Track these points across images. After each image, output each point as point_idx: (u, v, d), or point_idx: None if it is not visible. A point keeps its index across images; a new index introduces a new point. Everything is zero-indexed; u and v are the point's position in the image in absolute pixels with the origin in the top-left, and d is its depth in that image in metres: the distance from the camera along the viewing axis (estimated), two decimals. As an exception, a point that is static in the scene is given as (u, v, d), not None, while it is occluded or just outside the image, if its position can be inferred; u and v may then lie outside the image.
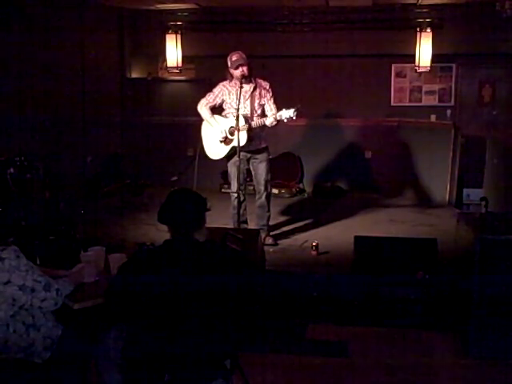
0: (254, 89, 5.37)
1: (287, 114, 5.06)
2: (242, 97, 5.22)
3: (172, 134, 8.22)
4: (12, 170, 4.86)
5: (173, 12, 8.11)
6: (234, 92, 5.31)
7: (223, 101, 5.46)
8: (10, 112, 5.98)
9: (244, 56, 5.27)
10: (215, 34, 8.18)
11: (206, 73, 8.01)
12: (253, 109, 5.36)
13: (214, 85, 5.58)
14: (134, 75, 8.72)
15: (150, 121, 8.42)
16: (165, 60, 8.26)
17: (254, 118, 5.32)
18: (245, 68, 5.23)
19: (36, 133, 6.23)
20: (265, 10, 7.95)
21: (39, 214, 5.29)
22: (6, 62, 6.02)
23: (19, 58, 6.16)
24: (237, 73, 5.24)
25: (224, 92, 5.44)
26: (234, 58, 5.26)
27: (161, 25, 8.17)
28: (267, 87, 5.44)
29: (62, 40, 6.90)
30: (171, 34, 8.11)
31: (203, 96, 5.58)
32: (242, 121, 5.18)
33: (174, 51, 8.14)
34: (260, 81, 5.44)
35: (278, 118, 5.15)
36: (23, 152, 5.01)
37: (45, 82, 6.57)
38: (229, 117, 5.41)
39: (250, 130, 5.25)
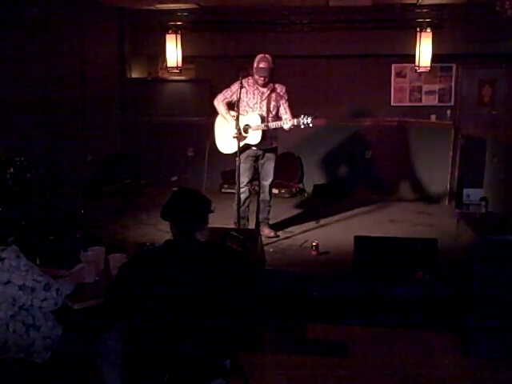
0: (272, 91, 5.53)
1: (305, 120, 5.22)
2: (258, 97, 5.46)
3: (172, 133, 8.22)
4: (12, 170, 4.86)
5: (173, 12, 8.11)
6: (251, 91, 5.50)
7: (240, 98, 5.52)
8: (10, 112, 5.98)
9: (271, 64, 5.42)
10: (215, 34, 8.18)
11: (206, 73, 8.02)
12: (268, 109, 5.51)
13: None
14: (134, 75, 8.71)
15: (150, 121, 8.41)
16: (165, 60, 8.25)
17: (269, 118, 5.49)
18: (266, 79, 5.42)
19: (36, 133, 6.24)
20: (265, 10, 7.95)
21: (39, 214, 5.29)
22: (6, 62, 6.01)
23: (19, 58, 6.16)
24: (256, 78, 5.43)
25: (241, 90, 5.50)
26: (261, 66, 5.41)
27: (161, 25, 8.17)
28: (283, 90, 5.61)
29: (61, 40, 6.90)
30: (171, 33, 8.11)
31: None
32: (258, 120, 5.40)
33: (174, 51, 8.14)
34: (277, 85, 5.59)
35: (296, 124, 5.28)
36: (23, 152, 5.01)
37: (45, 82, 6.57)
38: (244, 114, 5.47)
39: (264, 130, 5.41)
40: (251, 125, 5.42)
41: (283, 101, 5.55)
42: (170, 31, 8.10)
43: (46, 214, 5.44)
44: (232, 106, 5.63)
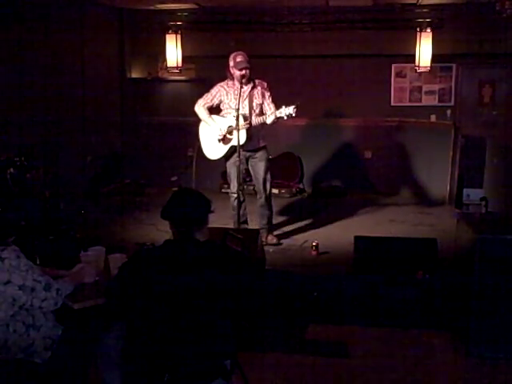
0: (252, 89, 5.40)
1: (287, 111, 5.10)
2: (240, 97, 5.24)
3: (172, 133, 8.22)
4: (12, 170, 4.86)
5: (173, 12, 8.11)
6: (232, 92, 5.36)
7: (221, 101, 5.48)
8: (10, 112, 5.98)
9: (247, 58, 5.29)
10: (215, 34, 8.18)
11: (206, 73, 8.01)
12: (251, 108, 5.38)
13: (214, 85, 5.59)
14: (134, 75, 8.71)
15: (150, 121, 8.42)
16: (165, 60, 8.25)
17: (253, 117, 5.34)
18: (247, 71, 5.27)
19: (36, 133, 6.24)
20: (265, 10, 7.95)
21: (39, 213, 5.29)
22: (6, 61, 6.01)
23: (19, 57, 6.16)
24: (238, 74, 5.26)
25: (221, 93, 5.45)
26: (238, 59, 5.27)
27: (161, 25, 8.16)
28: (265, 86, 5.48)
29: (61, 40, 6.90)
30: (171, 33, 8.10)
31: (202, 96, 5.59)
32: (241, 120, 5.20)
33: (174, 51, 8.14)
34: (258, 81, 5.46)
35: (278, 115, 5.18)
36: (23, 152, 5.01)
37: (45, 81, 6.57)
38: (227, 117, 5.42)
39: (249, 129, 5.28)
40: (234, 126, 5.23)
41: (266, 97, 5.42)
42: (170, 31, 8.10)
43: (46, 214, 5.43)
44: (213, 109, 5.55)
